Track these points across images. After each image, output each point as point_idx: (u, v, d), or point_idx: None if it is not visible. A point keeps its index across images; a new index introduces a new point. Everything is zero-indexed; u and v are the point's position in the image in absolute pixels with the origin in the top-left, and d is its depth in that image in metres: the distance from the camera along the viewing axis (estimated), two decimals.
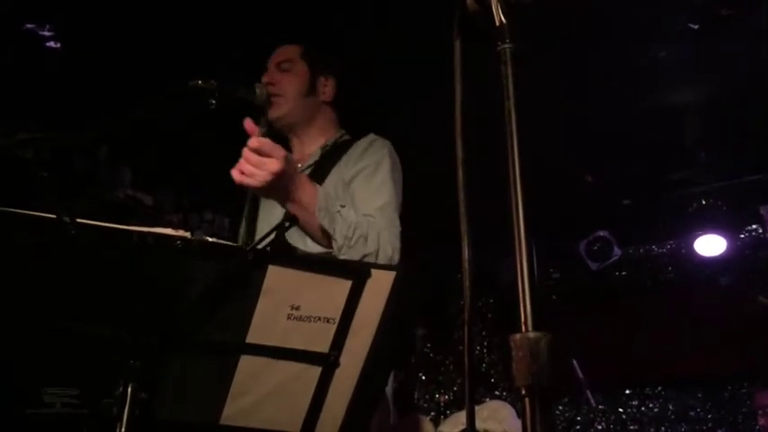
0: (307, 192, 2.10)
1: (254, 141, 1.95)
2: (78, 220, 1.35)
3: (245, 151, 1.96)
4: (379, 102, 4.08)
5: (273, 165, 1.95)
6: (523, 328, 0.93)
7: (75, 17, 3.53)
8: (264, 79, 2.60)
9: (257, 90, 2.56)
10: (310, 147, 2.62)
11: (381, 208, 2.31)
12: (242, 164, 1.97)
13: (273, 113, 2.57)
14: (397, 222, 2.34)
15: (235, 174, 1.98)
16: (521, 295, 0.94)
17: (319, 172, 2.45)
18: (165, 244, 1.39)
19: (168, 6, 3.50)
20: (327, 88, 2.68)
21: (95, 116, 3.76)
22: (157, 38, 3.65)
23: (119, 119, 2.90)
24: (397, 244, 2.26)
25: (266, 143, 1.97)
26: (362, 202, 2.27)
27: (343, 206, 2.18)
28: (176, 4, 3.50)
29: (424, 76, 3.34)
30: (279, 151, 1.98)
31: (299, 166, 2.53)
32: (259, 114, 2.01)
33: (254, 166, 1.95)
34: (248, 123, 2.01)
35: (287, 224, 1.61)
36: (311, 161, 2.56)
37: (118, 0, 3.47)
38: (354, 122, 2.70)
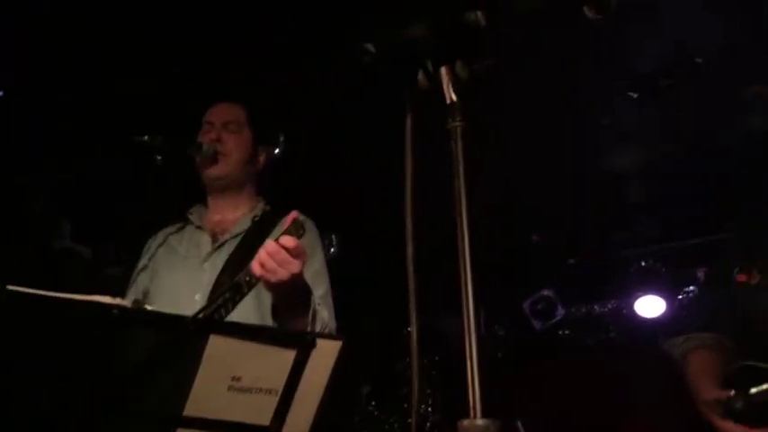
0: (304, 294, 2.16)
1: (290, 240, 1.99)
2: (9, 287, 1.29)
3: (273, 247, 1.99)
4: (331, 163, 4.10)
5: (296, 267, 2.00)
6: (472, 413, 0.91)
7: (18, 64, 3.46)
8: (212, 136, 2.58)
9: (204, 147, 2.54)
10: (234, 213, 2.60)
11: (324, 297, 2.35)
12: (264, 258, 1.99)
13: (215, 171, 2.54)
14: (333, 311, 2.41)
15: (255, 266, 2.00)
16: (470, 381, 0.92)
17: (248, 243, 2.44)
18: (101, 313, 1.34)
19: (111, 55, 3.46)
20: (263, 158, 2.69)
21: (35, 164, 3.68)
22: (102, 88, 3.60)
23: (61, 170, 2.83)
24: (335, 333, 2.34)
25: (300, 246, 2.01)
26: None
27: (319, 304, 2.24)
28: (117, 53, 3.46)
29: (373, 149, 3.37)
30: (304, 256, 2.03)
31: (225, 232, 2.51)
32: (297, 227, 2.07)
33: (279, 263, 1.97)
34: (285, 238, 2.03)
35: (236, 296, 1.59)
36: (239, 229, 2.53)
37: (59, 50, 3.41)
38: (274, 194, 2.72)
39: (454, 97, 1.15)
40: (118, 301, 1.36)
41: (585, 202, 4.76)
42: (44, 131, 3.73)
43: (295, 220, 2.02)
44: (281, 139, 3.87)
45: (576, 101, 3.86)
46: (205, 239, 2.54)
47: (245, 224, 2.54)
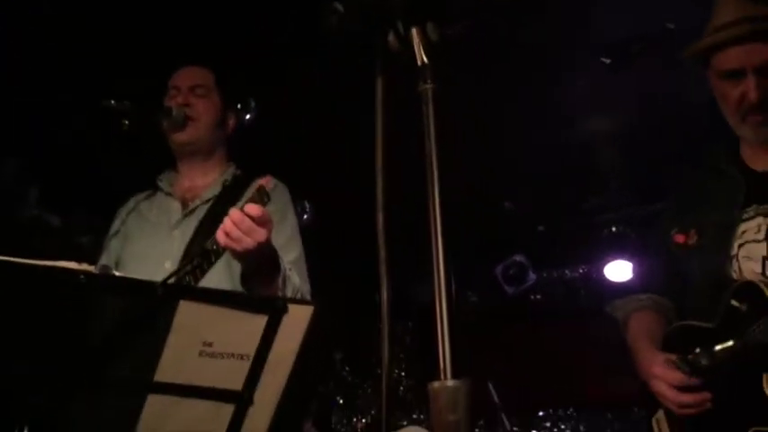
0: (274, 261, 2.12)
1: (255, 209, 1.94)
2: None
3: (237, 216, 1.94)
4: (302, 129, 4.07)
5: (262, 235, 1.96)
6: (442, 375, 0.91)
7: None
8: (179, 100, 2.53)
9: (174, 112, 2.50)
10: (204, 178, 2.57)
11: (295, 262, 2.33)
12: (229, 227, 1.94)
13: (184, 136, 2.50)
14: (306, 275, 2.39)
15: (220, 235, 1.96)
16: (440, 342, 0.92)
17: (219, 208, 2.40)
18: (69, 279, 1.32)
19: (79, 20, 3.38)
20: (232, 122, 2.65)
21: (2, 131, 3.60)
22: (69, 52, 3.52)
23: (29, 138, 2.78)
24: (308, 297, 2.32)
25: (266, 214, 1.97)
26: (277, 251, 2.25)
27: (289, 269, 2.21)
28: (88, 19, 3.38)
29: (349, 108, 3.34)
30: (270, 224, 1.99)
31: (196, 198, 2.49)
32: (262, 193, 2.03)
33: (244, 232, 1.93)
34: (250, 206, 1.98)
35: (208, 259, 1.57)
36: (210, 195, 2.50)
37: (26, 14, 3.33)
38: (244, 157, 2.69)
39: (425, 59, 1.14)
40: (84, 266, 1.34)
41: (557, 169, 4.78)
42: (10, 97, 3.64)
43: (260, 188, 1.99)
44: (252, 104, 3.83)
45: (548, 66, 3.85)
46: (175, 206, 2.51)
47: (215, 189, 2.51)
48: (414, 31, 1.16)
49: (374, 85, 1.21)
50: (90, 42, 3.46)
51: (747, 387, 1.91)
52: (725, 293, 2.03)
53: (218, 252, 2.01)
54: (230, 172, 2.58)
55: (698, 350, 2.00)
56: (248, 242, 1.94)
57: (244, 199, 2.40)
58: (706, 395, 1.99)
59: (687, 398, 2.00)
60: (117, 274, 1.45)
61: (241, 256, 2.01)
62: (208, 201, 2.48)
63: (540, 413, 5.88)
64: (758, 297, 1.95)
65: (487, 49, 3.33)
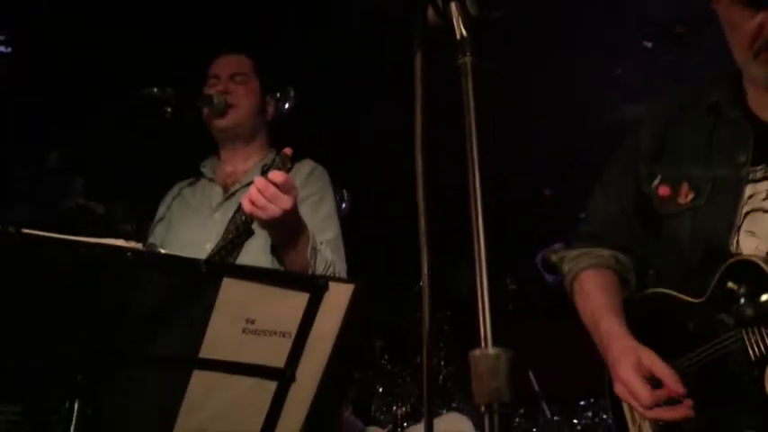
0: (301, 230, 2.12)
1: (279, 175, 1.94)
2: (24, 230, 1.30)
3: (261, 183, 1.95)
4: (340, 115, 4.09)
5: (287, 202, 1.96)
6: (483, 344, 0.92)
7: (24, 23, 3.44)
8: (219, 88, 2.57)
9: (215, 99, 2.53)
10: (245, 163, 2.60)
11: (332, 241, 2.35)
12: (254, 195, 1.95)
13: (225, 122, 2.55)
14: (344, 255, 2.39)
15: (245, 203, 1.97)
16: (480, 312, 0.93)
17: None
18: (115, 255, 1.35)
19: (119, 12, 3.44)
20: (271, 108, 2.69)
21: (47, 122, 3.68)
22: (109, 43, 3.58)
23: (72, 127, 2.84)
24: (345, 276, 2.33)
25: (289, 180, 1.97)
26: (313, 230, 2.26)
27: (321, 243, 2.22)
28: (126, 11, 3.44)
29: (384, 90, 3.34)
30: (295, 191, 1.99)
31: (236, 182, 2.52)
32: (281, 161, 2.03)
33: (269, 199, 1.94)
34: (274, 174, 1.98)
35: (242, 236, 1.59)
36: (250, 178, 2.53)
37: (71, 6, 3.39)
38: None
39: (464, 33, 1.13)
40: (132, 244, 1.37)
41: (598, 154, 4.72)
42: (53, 89, 3.72)
43: (283, 155, 1.99)
44: (292, 93, 3.85)
45: (590, 50, 3.80)
46: (216, 191, 2.56)
47: (255, 173, 2.54)
48: (453, 5, 1.16)
49: (413, 60, 1.21)
50: (130, 31, 3.51)
51: (744, 386, 1.60)
52: (718, 266, 1.69)
53: (248, 223, 2.02)
54: (270, 157, 2.62)
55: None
56: (273, 209, 1.94)
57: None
58: (688, 404, 1.62)
59: (666, 414, 1.63)
60: (163, 251, 1.48)
61: (267, 224, 2.01)
62: (247, 185, 2.51)
63: (582, 402, 5.82)
64: (759, 279, 1.60)
65: (529, 33, 3.31)
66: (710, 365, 1.67)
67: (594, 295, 1.90)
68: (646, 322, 1.81)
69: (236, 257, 2.06)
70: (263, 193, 1.94)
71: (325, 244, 2.27)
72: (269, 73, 2.74)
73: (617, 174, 2.02)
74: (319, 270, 2.15)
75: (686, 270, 1.78)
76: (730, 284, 1.64)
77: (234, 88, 2.57)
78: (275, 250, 2.16)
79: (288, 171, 1.97)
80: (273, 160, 2.07)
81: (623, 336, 1.77)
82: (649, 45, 3.85)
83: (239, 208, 2.02)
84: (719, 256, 1.70)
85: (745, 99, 1.81)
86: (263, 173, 2.54)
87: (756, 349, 1.58)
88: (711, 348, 1.68)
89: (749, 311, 1.58)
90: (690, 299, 1.75)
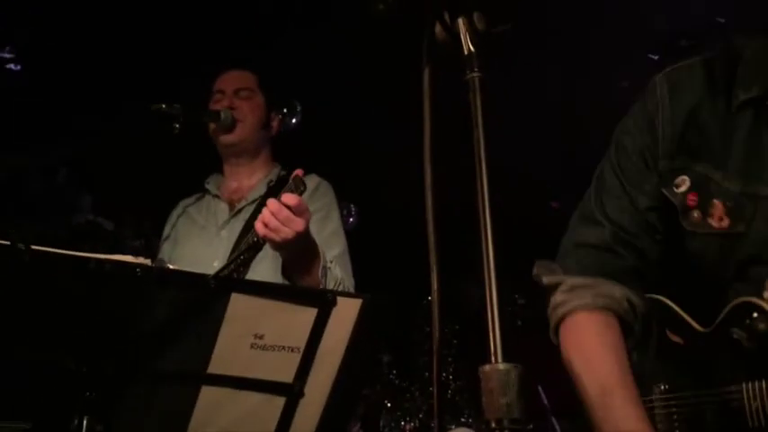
0: (313, 251, 2.14)
1: (292, 198, 1.96)
2: (33, 247, 1.30)
3: (275, 206, 1.96)
4: (348, 129, 4.10)
5: (300, 225, 1.98)
6: (493, 359, 0.91)
7: (34, 40, 3.47)
8: (225, 103, 2.58)
9: (222, 114, 2.54)
10: (250, 179, 2.61)
11: (340, 257, 2.37)
12: (268, 217, 1.97)
13: (231, 138, 2.55)
14: (350, 270, 2.41)
15: (258, 226, 1.98)
16: (490, 326, 0.92)
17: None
18: (124, 271, 1.35)
19: (126, 28, 3.47)
20: (275, 123, 2.69)
21: (55, 139, 3.70)
22: (117, 59, 3.61)
23: (80, 143, 2.86)
24: (352, 291, 2.33)
25: (303, 203, 1.98)
26: (320, 246, 2.26)
27: (331, 261, 2.24)
28: (133, 27, 3.46)
29: (393, 104, 3.35)
30: (308, 214, 2.00)
31: (242, 199, 2.52)
32: (296, 183, 2.04)
33: (282, 222, 1.95)
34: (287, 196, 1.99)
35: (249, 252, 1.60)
36: (256, 195, 2.53)
37: (79, 23, 3.42)
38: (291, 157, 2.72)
39: (472, 48, 1.14)
40: (140, 260, 1.38)
41: None
42: (62, 106, 3.75)
43: (296, 177, 2.00)
44: (298, 108, 3.87)
45: (595, 64, 3.81)
46: (222, 207, 2.57)
47: (260, 189, 2.55)
48: (460, 20, 1.17)
49: (421, 75, 1.21)
50: (137, 48, 3.54)
51: None
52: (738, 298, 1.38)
53: (259, 244, 2.03)
54: (275, 172, 2.62)
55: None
56: (286, 232, 1.95)
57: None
58: None
59: None
60: (171, 267, 1.49)
61: (280, 246, 2.02)
62: (253, 201, 2.52)
63: None
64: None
65: (534, 45, 3.31)
66: (703, 412, 1.43)
67: (604, 363, 1.46)
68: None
69: (244, 276, 2.07)
70: (276, 216, 1.96)
71: (334, 261, 2.28)
72: (274, 88, 2.75)
73: (631, 159, 1.58)
74: (330, 288, 2.16)
75: (700, 289, 1.49)
76: (737, 332, 1.36)
77: (239, 104, 2.58)
78: (286, 271, 2.16)
79: (301, 194, 1.98)
80: (287, 182, 2.09)
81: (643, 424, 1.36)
82: (656, 58, 3.85)
83: (252, 229, 2.03)
84: (752, 289, 1.39)
85: None
86: (269, 189, 2.55)
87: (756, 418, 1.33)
88: (706, 396, 1.43)
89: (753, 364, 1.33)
90: (694, 324, 1.48)
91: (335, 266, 2.25)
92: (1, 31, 3.47)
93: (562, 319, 1.58)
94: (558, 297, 1.59)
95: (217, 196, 2.63)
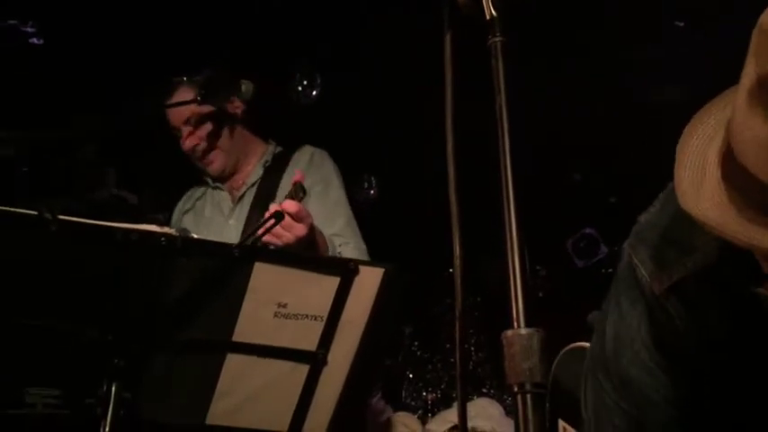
0: (320, 250, 2.14)
1: (292, 206, 1.98)
2: (60, 217, 1.32)
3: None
4: (369, 99, 4.08)
5: (301, 230, 2.00)
6: (515, 324, 0.91)
7: (57, 13, 3.48)
8: (187, 144, 2.48)
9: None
10: (246, 167, 2.57)
11: (345, 227, 2.34)
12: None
13: (214, 171, 2.52)
14: (359, 234, 2.39)
15: (261, 230, 1.97)
16: (512, 292, 0.92)
17: (265, 189, 2.46)
18: (149, 241, 1.37)
19: (149, 3, 3.47)
20: (238, 109, 2.55)
21: (78, 113, 3.73)
22: (140, 34, 3.61)
23: (105, 118, 2.87)
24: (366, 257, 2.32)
25: (303, 210, 2.00)
26: (324, 221, 2.26)
27: (340, 245, 2.24)
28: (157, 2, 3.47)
29: (413, 73, 3.33)
30: (309, 219, 2.02)
31: (243, 185, 2.52)
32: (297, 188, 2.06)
33: (284, 228, 1.97)
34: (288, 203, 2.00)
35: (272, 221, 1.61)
36: (254, 178, 2.52)
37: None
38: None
39: (494, 12, 1.12)
40: (165, 229, 1.39)
41: (628, 139, 4.67)
42: (84, 79, 3.77)
43: (296, 183, 2.03)
44: (318, 80, 3.85)
45: (619, 32, 3.75)
46: (224, 196, 2.59)
47: (258, 172, 2.54)
48: None
49: (442, 41, 1.20)
50: (157, 26, 3.54)
51: None
52: None
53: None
54: (270, 152, 2.58)
55: None
56: (288, 237, 1.99)
57: (285, 179, 2.43)
58: None
59: None
60: (195, 236, 1.51)
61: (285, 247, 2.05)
62: (253, 185, 2.52)
63: None
64: None
65: (556, 14, 3.27)
66: None
67: None
68: None
69: None
70: None
71: (342, 241, 2.28)
72: (214, 90, 2.61)
73: None
74: None
75: None
76: None
77: (197, 138, 2.48)
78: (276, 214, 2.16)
79: (301, 200, 2.00)
80: (287, 159, 2.02)
81: None
82: (681, 25, 3.78)
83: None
84: None
85: None
86: (266, 170, 2.53)
87: None
88: None
89: None
90: None
91: (346, 249, 2.26)
92: (24, 6, 3.48)
93: None
94: None
95: (217, 186, 2.63)
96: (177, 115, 2.53)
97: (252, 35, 2.92)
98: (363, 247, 2.37)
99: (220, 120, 2.53)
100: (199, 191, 2.69)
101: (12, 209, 1.34)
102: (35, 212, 1.33)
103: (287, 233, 1.98)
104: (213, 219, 2.56)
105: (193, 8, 3.54)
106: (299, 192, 2.02)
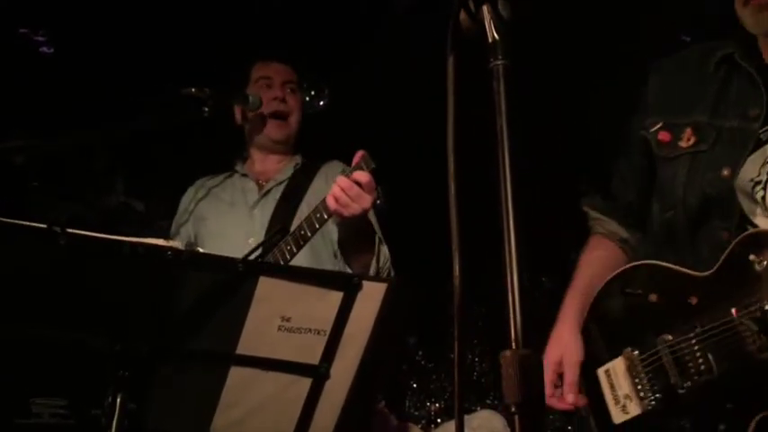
0: (368, 227, 2.25)
1: (363, 176, 2.04)
2: (69, 230, 1.34)
3: (346, 183, 2.04)
4: (372, 115, 4.11)
5: (367, 202, 2.06)
6: (513, 344, 0.93)
7: (67, 22, 3.52)
8: (276, 93, 2.61)
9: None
10: (274, 164, 2.64)
11: (376, 223, 2.44)
12: (339, 193, 2.05)
13: (281, 134, 2.60)
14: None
15: (330, 200, 2.07)
16: (510, 312, 0.94)
17: (294, 189, 2.53)
18: (156, 254, 1.39)
19: (160, 12, 3.50)
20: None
21: (88, 122, 3.76)
22: (148, 43, 3.65)
23: (113, 127, 2.90)
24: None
25: (372, 181, 2.07)
26: None
27: (380, 237, 2.33)
28: (168, 10, 3.50)
29: (417, 92, 3.35)
30: (375, 192, 2.09)
31: (270, 180, 2.57)
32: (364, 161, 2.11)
33: (352, 198, 2.03)
34: (359, 168, 2.08)
35: (279, 236, 1.64)
36: (283, 177, 2.58)
37: (109, 7, 3.46)
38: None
39: (496, 36, 1.14)
40: (171, 243, 1.41)
41: None
42: (94, 87, 3.80)
43: (364, 155, 2.06)
44: (326, 91, 3.89)
45: (624, 44, 3.77)
46: (251, 186, 2.62)
47: (287, 172, 2.60)
48: (484, 8, 1.17)
49: (445, 63, 1.22)
50: (168, 33, 3.58)
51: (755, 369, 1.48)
52: (726, 225, 1.58)
53: (322, 220, 2.09)
54: (300, 158, 2.68)
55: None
56: (355, 208, 2.03)
57: (316, 179, 2.48)
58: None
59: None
60: (201, 250, 1.53)
61: (345, 222, 2.09)
62: (281, 182, 2.57)
63: None
64: None
65: (565, 25, 3.29)
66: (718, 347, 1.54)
67: (583, 268, 1.97)
68: (638, 299, 1.72)
69: (299, 247, 2.14)
70: (346, 192, 2.03)
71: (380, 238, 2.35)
72: (309, 84, 2.81)
73: (628, 131, 1.96)
74: (381, 262, 2.26)
75: (683, 232, 1.69)
76: (752, 258, 1.47)
77: (288, 97, 2.63)
78: (343, 246, 2.27)
79: (371, 171, 2.04)
80: (318, 168, 2.08)
81: (568, 322, 1.87)
82: (688, 39, 3.79)
83: (317, 205, 2.10)
84: (727, 209, 1.58)
85: (760, 56, 1.69)
86: (296, 172, 2.60)
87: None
88: (719, 329, 1.54)
89: None
90: (692, 272, 1.61)
91: (383, 245, 2.32)
92: (33, 15, 3.52)
93: (590, 236, 2.05)
94: (588, 222, 2.11)
95: (245, 175, 2.68)
96: (280, 72, 2.68)
97: (259, 46, 2.95)
98: (389, 257, 2.45)
99: (302, 108, 2.69)
100: (214, 180, 2.75)
101: (21, 222, 1.36)
102: (44, 225, 1.35)
103: (354, 204, 2.04)
104: (235, 204, 2.61)
105: (201, 18, 3.57)
106: (369, 163, 2.06)
